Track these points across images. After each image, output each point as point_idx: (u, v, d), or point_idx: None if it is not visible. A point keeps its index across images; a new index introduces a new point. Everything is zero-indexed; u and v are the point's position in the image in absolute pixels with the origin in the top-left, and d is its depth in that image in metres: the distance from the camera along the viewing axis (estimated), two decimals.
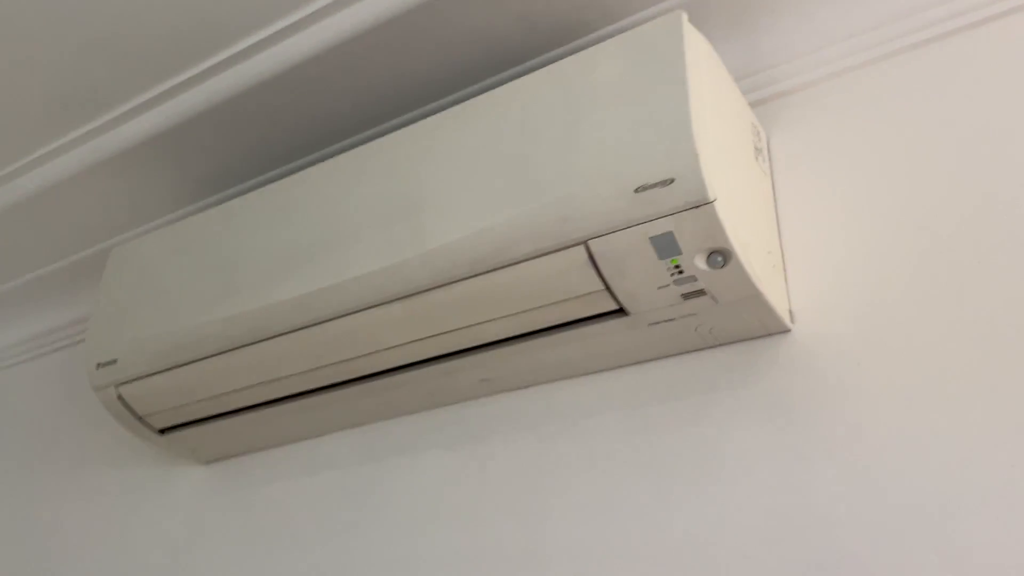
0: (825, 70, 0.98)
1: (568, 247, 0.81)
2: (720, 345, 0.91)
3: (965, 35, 0.91)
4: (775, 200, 0.95)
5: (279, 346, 0.99)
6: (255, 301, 0.98)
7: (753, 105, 1.00)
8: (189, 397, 1.10)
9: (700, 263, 0.78)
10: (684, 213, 0.75)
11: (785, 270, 0.91)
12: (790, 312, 0.88)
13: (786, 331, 0.88)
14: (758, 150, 0.94)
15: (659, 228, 0.77)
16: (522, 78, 0.90)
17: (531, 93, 0.88)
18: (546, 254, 0.82)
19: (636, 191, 0.77)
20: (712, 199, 0.74)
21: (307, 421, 1.13)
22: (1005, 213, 0.82)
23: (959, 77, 0.90)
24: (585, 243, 0.80)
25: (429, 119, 0.95)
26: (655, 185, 0.76)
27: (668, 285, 0.81)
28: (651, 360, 0.94)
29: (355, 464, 1.13)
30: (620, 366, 0.96)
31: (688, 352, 0.92)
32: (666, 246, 0.77)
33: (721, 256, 0.77)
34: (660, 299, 0.83)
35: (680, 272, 0.79)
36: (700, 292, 0.81)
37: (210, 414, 1.12)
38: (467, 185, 0.87)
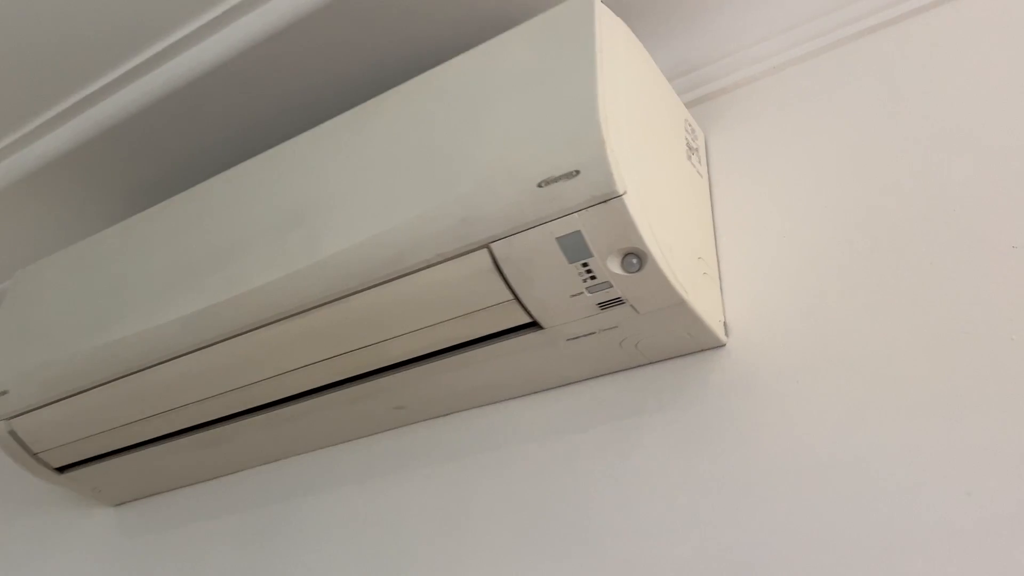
0: (764, 65, 0.91)
1: (470, 251, 0.72)
2: (650, 363, 0.82)
3: (908, 23, 0.84)
4: (712, 204, 0.87)
5: (170, 372, 0.89)
6: (142, 323, 0.89)
7: (691, 105, 0.93)
8: (84, 431, 1.00)
9: (614, 266, 0.70)
10: (592, 209, 0.67)
11: (720, 279, 0.82)
12: (724, 324, 0.80)
13: (720, 346, 0.79)
14: (692, 149, 0.86)
15: (565, 227, 0.68)
16: (427, 72, 0.82)
17: (435, 87, 0.80)
18: (448, 259, 0.73)
19: (540, 186, 0.68)
20: (620, 192, 0.66)
21: (214, 457, 1.03)
22: (956, 216, 0.74)
23: (904, 69, 0.82)
24: (488, 246, 0.71)
25: (331, 121, 0.87)
26: (559, 178, 0.68)
27: (582, 293, 0.72)
28: (575, 382, 0.85)
29: (269, 503, 1.03)
30: (542, 389, 0.87)
31: (615, 372, 0.83)
32: (575, 247, 0.69)
33: (636, 258, 0.69)
34: (575, 310, 0.74)
35: (593, 277, 0.71)
36: (618, 301, 0.73)
37: (108, 450, 1.02)
38: (367, 187, 0.79)
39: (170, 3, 0.95)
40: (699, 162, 0.88)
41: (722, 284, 0.82)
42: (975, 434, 0.66)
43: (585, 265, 0.70)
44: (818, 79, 0.87)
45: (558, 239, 0.69)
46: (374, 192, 0.77)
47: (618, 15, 0.78)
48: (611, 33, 0.74)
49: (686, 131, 0.86)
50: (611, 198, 0.66)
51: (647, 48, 0.83)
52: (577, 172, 0.67)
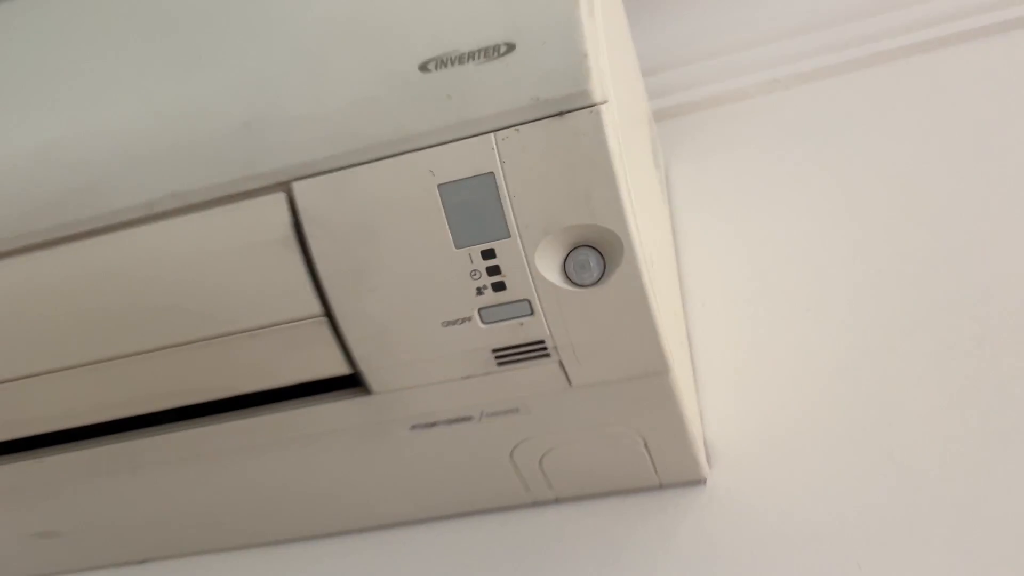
0: (756, 78, 0.61)
1: (253, 192, 0.34)
2: (566, 501, 0.45)
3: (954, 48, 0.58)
4: (676, 252, 0.54)
5: None
6: None
7: (655, 116, 0.62)
8: None
9: (548, 267, 0.34)
10: (532, 126, 0.31)
11: (693, 363, 0.48)
12: (706, 445, 0.44)
13: (698, 482, 0.43)
14: (658, 168, 0.54)
15: (464, 162, 0.32)
16: None
17: None
18: (215, 204, 0.35)
19: (424, 69, 0.32)
20: (598, 101, 0.31)
21: None
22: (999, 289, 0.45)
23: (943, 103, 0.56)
24: (287, 186, 0.34)
25: None
26: (471, 56, 0.32)
27: (466, 320, 0.35)
28: (423, 521, 0.47)
29: None
30: (378, 525, 0.47)
31: (498, 510, 0.46)
32: (474, 210, 0.33)
33: (598, 256, 0.33)
34: (442, 358, 0.37)
35: (497, 286, 0.34)
36: (538, 348, 0.36)
37: None
38: (108, 66, 0.40)
39: None
40: (664, 193, 0.55)
41: (696, 373, 0.48)
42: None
43: (488, 255, 0.33)
44: (813, 106, 0.58)
45: (442, 187, 0.32)
46: (123, 73, 0.39)
47: None
48: None
49: (654, 146, 0.54)
50: (577, 107, 0.31)
51: None
52: (512, 47, 0.32)
